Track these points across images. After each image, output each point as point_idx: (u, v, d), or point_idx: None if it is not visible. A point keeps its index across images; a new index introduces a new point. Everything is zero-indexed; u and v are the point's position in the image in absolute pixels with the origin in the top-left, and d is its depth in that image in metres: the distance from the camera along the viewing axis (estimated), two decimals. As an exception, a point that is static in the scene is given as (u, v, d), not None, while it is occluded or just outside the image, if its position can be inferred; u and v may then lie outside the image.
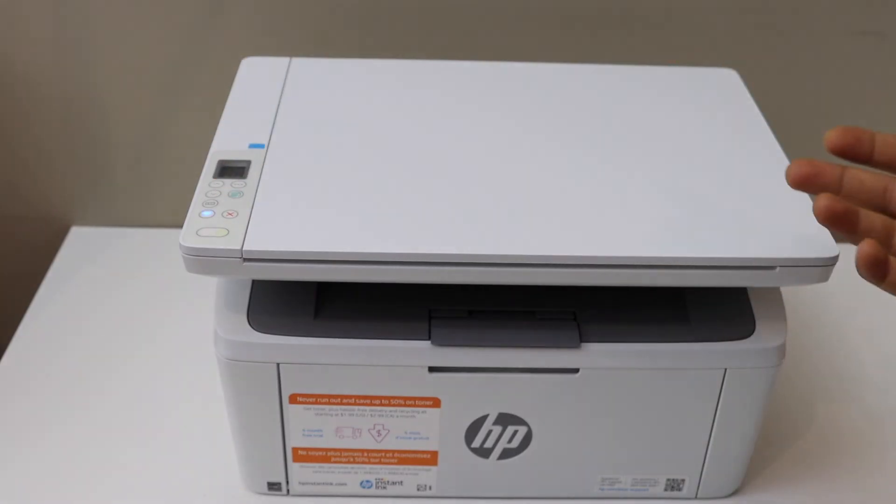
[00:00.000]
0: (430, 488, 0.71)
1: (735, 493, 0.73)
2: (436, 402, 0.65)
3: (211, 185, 0.63)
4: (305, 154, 0.66)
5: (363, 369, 0.63)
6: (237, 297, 0.64)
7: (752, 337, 0.64)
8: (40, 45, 0.90)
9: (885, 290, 0.47)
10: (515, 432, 0.67)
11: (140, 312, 0.90)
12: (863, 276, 0.47)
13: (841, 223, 0.47)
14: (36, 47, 0.90)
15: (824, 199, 0.46)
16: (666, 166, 0.66)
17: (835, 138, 0.47)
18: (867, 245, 0.45)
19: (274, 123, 0.70)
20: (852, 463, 0.77)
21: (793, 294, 0.73)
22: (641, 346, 0.63)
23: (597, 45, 0.90)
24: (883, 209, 0.47)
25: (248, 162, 0.65)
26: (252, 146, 0.67)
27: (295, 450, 0.68)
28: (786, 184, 0.65)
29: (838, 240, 0.60)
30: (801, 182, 0.47)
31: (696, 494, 0.72)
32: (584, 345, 0.63)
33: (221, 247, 0.58)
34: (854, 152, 0.47)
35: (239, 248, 0.57)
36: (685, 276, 0.59)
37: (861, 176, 0.47)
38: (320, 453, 0.69)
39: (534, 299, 0.64)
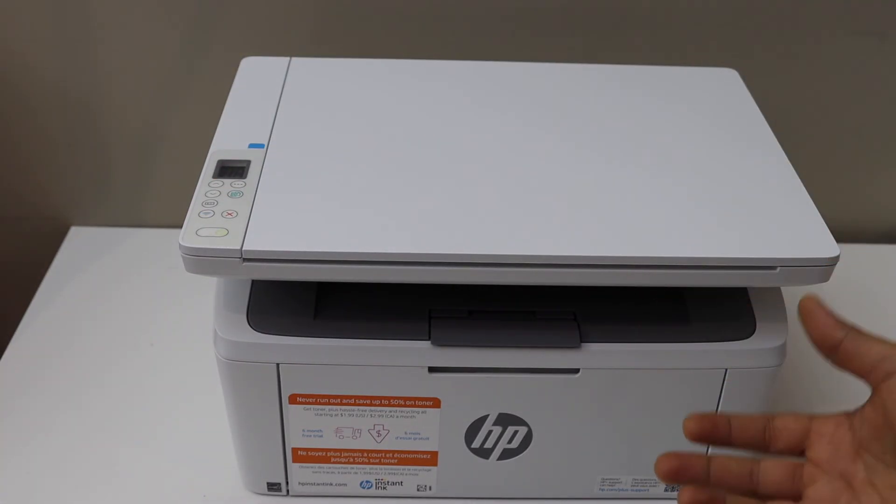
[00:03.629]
0: (430, 489, 0.71)
1: (735, 493, 0.73)
2: (436, 403, 0.65)
3: (210, 185, 0.63)
4: (305, 154, 0.66)
5: (363, 369, 0.63)
6: (237, 298, 0.64)
7: (752, 337, 0.63)
8: (40, 46, 0.89)
9: None
10: (515, 432, 0.67)
11: (140, 312, 0.90)
12: None
13: None
14: (36, 47, 0.90)
15: (687, 494, 0.46)
16: (666, 166, 0.66)
17: (693, 427, 0.47)
18: None
19: (274, 123, 0.69)
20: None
21: (793, 294, 0.73)
22: (641, 346, 0.63)
23: (597, 45, 0.90)
24: (752, 492, 0.47)
25: (248, 162, 0.65)
26: (252, 146, 0.67)
27: (295, 450, 0.68)
28: (786, 183, 0.65)
29: (839, 240, 0.60)
30: (669, 477, 0.46)
31: (697, 495, 0.72)
32: (584, 345, 0.63)
33: (221, 247, 0.58)
34: (713, 438, 0.47)
35: (238, 248, 0.57)
36: (685, 276, 0.59)
37: (726, 463, 0.47)
38: (320, 454, 0.69)
39: (534, 299, 0.64)
